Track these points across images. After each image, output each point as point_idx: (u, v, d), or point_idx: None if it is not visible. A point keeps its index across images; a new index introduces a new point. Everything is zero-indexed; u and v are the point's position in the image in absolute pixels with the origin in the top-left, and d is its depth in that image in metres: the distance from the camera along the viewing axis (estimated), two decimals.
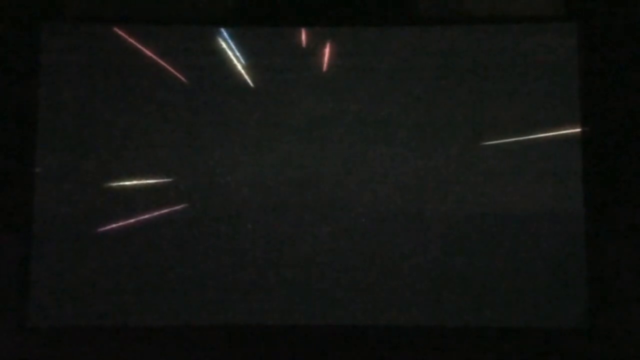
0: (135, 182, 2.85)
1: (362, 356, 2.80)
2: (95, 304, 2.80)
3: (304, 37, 2.91)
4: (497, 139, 2.85)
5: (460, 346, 2.80)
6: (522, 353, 2.78)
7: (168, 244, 2.83)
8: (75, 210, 2.83)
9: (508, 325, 2.78)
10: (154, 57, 2.88)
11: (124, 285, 2.81)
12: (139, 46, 2.89)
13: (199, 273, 2.83)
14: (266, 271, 2.83)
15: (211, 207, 2.84)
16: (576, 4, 2.90)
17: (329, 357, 2.80)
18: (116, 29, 2.90)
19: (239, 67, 2.90)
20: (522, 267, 2.79)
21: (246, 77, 2.89)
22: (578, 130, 2.82)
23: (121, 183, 2.84)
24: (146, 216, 2.84)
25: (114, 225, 2.82)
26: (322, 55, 2.90)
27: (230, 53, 2.90)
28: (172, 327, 2.81)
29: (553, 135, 2.83)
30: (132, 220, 2.83)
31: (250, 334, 2.82)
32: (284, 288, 2.82)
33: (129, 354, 2.80)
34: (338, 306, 2.81)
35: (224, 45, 2.90)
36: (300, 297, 2.82)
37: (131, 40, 2.89)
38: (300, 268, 2.83)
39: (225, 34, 2.90)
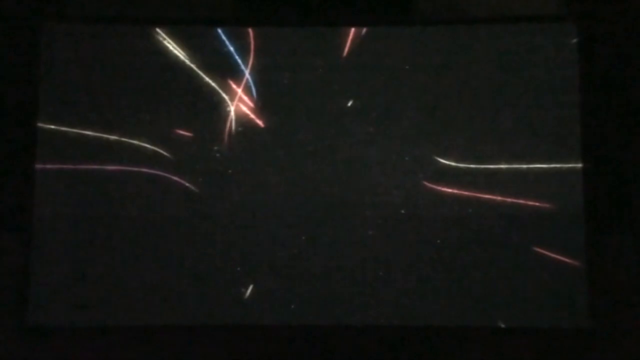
0: (136, 181, 2.85)
1: (362, 356, 2.80)
2: (95, 304, 2.80)
3: (304, 37, 2.91)
4: (497, 139, 2.84)
5: (460, 346, 2.80)
6: (522, 353, 2.78)
7: (168, 243, 2.83)
8: (75, 210, 2.83)
9: (508, 326, 2.78)
10: (154, 56, 2.88)
11: (125, 285, 2.81)
12: (139, 46, 2.89)
13: (199, 273, 2.82)
14: (266, 272, 2.83)
15: (212, 207, 2.84)
16: (576, 4, 2.90)
17: (329, 357, 2.80)
18: (116, 29, 2.90)
19: (239, 67, 2.90)
20: (522, 267, 2.79)
21: (247, 77, 2.89)
22: (578, 129, 2.81)
23: (122, 182, 2.84)
24: (147, 216, 2.83)
25: (113, 225, 2.83)
26: (322, 55, 2.90)
27: (230, 53, 2.90)
28: (172, 327, 2.81)
29: (553, 135, 2.83)
30: (132, 220, 2.83)
31: (250, 334, 2.82)
32: (283, 289, 2.82)
33: (129, 354, 2.80)
34: (338, 306, 2.81)
35: (223, 45, 2.90)
36: (300, 298, 2.82)
37: (131, 40, 2.89)
38: (300, 268, 2.83)
39: (225, 34, 2.90)
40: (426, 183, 2.84)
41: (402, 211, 2.83)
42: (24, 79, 2.86)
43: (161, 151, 2.86)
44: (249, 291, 2.82)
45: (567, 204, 2.80)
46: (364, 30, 2.90)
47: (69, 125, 2.86)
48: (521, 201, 2.81)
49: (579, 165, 2.80)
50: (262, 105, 2.89)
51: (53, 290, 2.80)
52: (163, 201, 2.84)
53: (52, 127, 2.85)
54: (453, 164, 2.85)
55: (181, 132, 2.87)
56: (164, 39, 2.89)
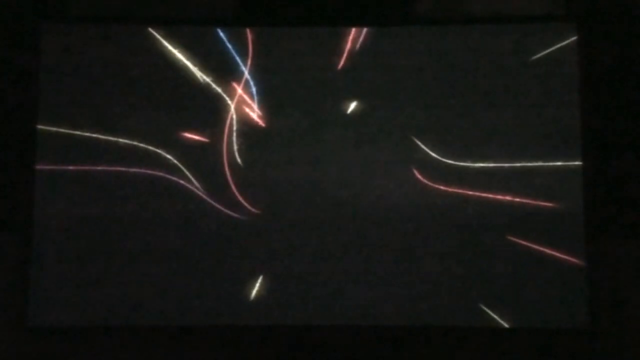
0: (136, 181, 2.85)
1: (362, 356, 2.80)
2: (95, 304, 2.80)
3: (304, 37, 2.91)
4: (497, 138, 2.85)
5: (460, 346, 2.79)
6: (523, 353, 2.78)
7: (169, 244, 2.83)
8: (75, 210, 2.83)
9: (508, 326, 2.78)
10: (155, 57, 2.88)
11: (124, 285, 2.81)
12: (140, 47, 2.89)
13: (200, 274, 2.82)
14: (268, 272, 2.83)
15: (212, 207, 2.84)
16: (576, 4, 2.90)
17: (331, 357, 2.80)
18: (116, 30, 2.90)
19: (239, 67, 2.90)
20: (523, 268, 2.79)
21: (247, 77, 2.89)
22: (578, 128, 2.82)
23: (122, 183, 2.84)
24: (147, 216, 2.83)
25: (113, 226, 2.83)
26: (322, 55, 2.90)
27: (230, 53, 2.90)
28: (172, 327, 2.81)
29: (553, 135, 2.83)
30: (132, 220, 2.83)
31: (251, 334, 2.82)
32: (286, 289, 2.82)
33: (129, 354, 2.80)
34: (339, 306, 2.81)
35: (223, 45, 2.90)
36: (302, 298, 2.82)
37: (131, 40, 2.89)
38: (302, 269, 2.83)
39: (224, 34, 2.90)
40: (427, 182, 2.84)
41: (403, 211, 2.83)
42: (24, 80, 2.86)
43: (161, 152, 2.86)
44: (253, 292, 2.82)
45: (567, 203, 2.80)
46: (364, 30, 2.90)
47: (68, 127, 2.85)
48: (521, 200, 2.81)
49: (579, 163, 2.81)
50: (263, 105, 2.89)
51: (53, 290, 2.80)
52: (163, 201, 2.84)
53: (52, 128, 2.85)
54: (453, 163, 2.85)
55: (181, 132, 2.87)
56: (164, 39, 2.89)
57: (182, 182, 2.85)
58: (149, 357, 2.81)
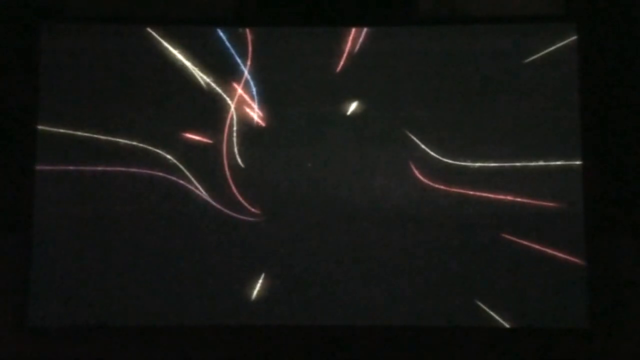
0: (136, 182, 2.85)
1: (362, 356, 2.80)
2: (95, 304, 2.80)
3: (304, 37, 2.91)
4: (497, 139, 2.85)
5: (460, 346, 2.80)
6: (523, 353, 2.78)
7: (169, 244, 2.83)
8: (75, 211, 2.83)
9: (508, 326, 2.78)
10: (155, 57, 2.88)
11: (124, 285, 2.81)
12: (140, 46, 2.89)
13: (199, 273, 2.82)
14: (269, 272, 2.83)
15: (213, 207, 2.84)
16: (576, 4, 2.90)
17: (332, 357, 2.80)
18: (116, 30, 2.90)
19: (239, 67, 2.90)
20: (523, 267, 2.79)
21: (247, 77, 2.90)
22: (578, 128, 2.82)
23: (122, 183, 2.84)
24: (147, 216, 2.83)
25: (113, 226, 2.83)
26: (322, 55, 2.90)
27: (230, 53, 2.90)
28: (172, 327, 2.81)
29: (553, 135, 2.83)
30: (132, 221, 2.83)
31: (251, 334, 2.82)
32: (283, 290, 2.82)
33: (129, 354, 2.80)
34: (340, 307, 2.81)
35: (223, 45, 2.90)
36: (300, 298, 2.82)
37: (131, 40, 2.89)
38: (303, 269, 2.83)
39: (224, 34, 2.90)
40: (427, 182, 2.84)
41: (403, 210, 2.83)
42: (24, 80, 2.86)
43: (161, 152, 2.86)
44: (254, 292, 2.82)
45: (567, 202, 2.80)
46: (364, 30, 2.90)
47: (68, 127, 2.85)
48: (522, 200, 2.81)
49: (579, 163, 2.81)
50: (263, 105, 2.89)
51: (53, 290, 2.80)
52: (164, 202, 2.84)
53: (52, 128, 2.85)
54: (453, 162, 2.85)
55: (182, 132, 2.87)
56: (164, 39, 2.89)
57: (182, 182, 2.85)
58: (149, 357, 2.81)
